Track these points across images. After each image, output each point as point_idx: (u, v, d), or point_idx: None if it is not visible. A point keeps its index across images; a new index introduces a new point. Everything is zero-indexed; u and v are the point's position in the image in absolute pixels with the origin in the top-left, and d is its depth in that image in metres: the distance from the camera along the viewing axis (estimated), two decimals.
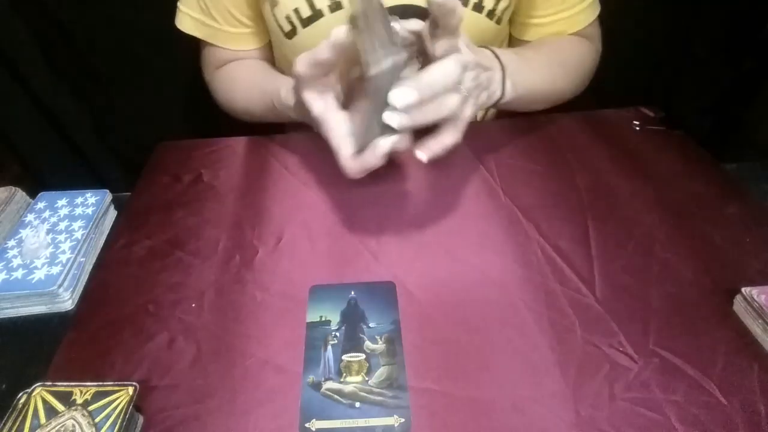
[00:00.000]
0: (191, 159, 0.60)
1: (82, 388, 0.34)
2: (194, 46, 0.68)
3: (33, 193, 0.53)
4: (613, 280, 0.43)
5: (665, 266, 0.44)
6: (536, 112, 0.67)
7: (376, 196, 0.52)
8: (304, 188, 0.55)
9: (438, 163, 0.57)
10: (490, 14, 0.57)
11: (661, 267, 0.44)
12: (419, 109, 0.39)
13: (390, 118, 0.39)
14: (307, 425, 0.34)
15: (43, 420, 0.32)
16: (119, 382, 0.34)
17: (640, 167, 0.55)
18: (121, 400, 0.33)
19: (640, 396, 0.35)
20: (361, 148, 0.43)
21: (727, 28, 0.93)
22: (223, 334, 0.40)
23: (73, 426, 0.32)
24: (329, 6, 0.55)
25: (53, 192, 0.53)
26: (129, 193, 0.56)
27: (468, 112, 0.44)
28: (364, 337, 0.39)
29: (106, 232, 0.52)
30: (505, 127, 0.64)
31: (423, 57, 0.44)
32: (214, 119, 0.83)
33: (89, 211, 0.50)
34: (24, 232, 0.48)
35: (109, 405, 0.33)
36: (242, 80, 0.64)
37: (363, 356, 0.38)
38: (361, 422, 0.34)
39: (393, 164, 0.46)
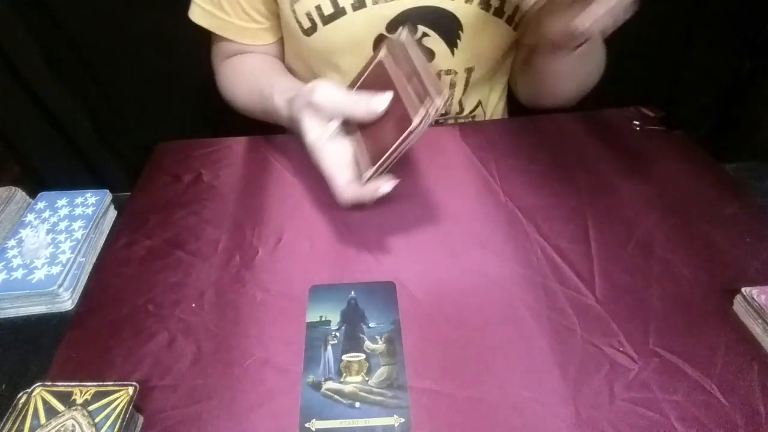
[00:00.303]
0: (191, 159, 0.60)
1: (82, 388, 0.34)
2: (195, 46, 0.68)
3: (33, 193, 0.53)
4: (613, 280, 0.43)
5: (665, 266, 0.44)
6: (536, 111, 0.67)
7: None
8: (304, 188, 0.55)
9: (438, 163, 0.57)
10: (509, 19, 0.58)
11: (661, 267, 0.44)
12: None
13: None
14: (307, 425, 0.34)
15: (43, 420, 0.32)
16: (119, 382, 0.34)
17: (640, 167, 0.55)
18: (121, 400, 0.33)
19: (640, 396, 0.35)
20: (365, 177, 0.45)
21: (727, 29, 0.93)
22: (223, 334, 0.40)
23: (73, 426, 0.32)
24: (352, 4, 0.55)
25: (53, 192, 0.53)
26: (129, 193, 0.56)
27: None
28: (364, 337, 0.39)
29: (106, 232, 0.51)
30: (505, 127, 0.64)
31: None
32: (214, 119, 0.83)
33: (89, 211, 0.50)
34: (24, 232, 0.48)
35: (109, 405, 0.33)
36: (245, 77, 0.64)
37: (363, 356, 0.38)
38: (361, 422, 0.34)
39: (393, 165, 0.46)
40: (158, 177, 0.57)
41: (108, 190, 0.53)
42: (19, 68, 0.82)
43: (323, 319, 0.41)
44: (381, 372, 0.37)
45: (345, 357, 0.38)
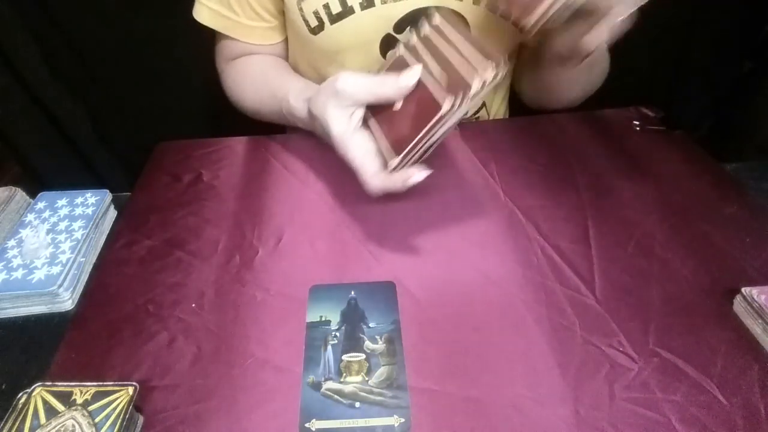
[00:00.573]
0: (191, 159, 0.60)
1: (82, 388, 0.34)
2: (195, 46, 0.68)
3: (33, 193, 0.53)
4: (613, 280, 0.43)
5: (665, 266, 0.44)
6: (536, 112, 0.67)
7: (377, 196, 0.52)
8: (304, 188, 0.55)
9: (438, 163, 0.57)
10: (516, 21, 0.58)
11: (661, 267, 0.44)
12: None
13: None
14: (307, 425, 0.34)
15: (43, 420, 0.32)
16: (119, 382, 0.34)
17: (640, 167, 0.55)
18: (121, 400, 0.33)
19: (640, 396, 0.35)
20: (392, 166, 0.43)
21: (727, 29, 0.93)
22: (223, 334, 0.40)
23: (73, 426, 0.32)
24: (360, 3, 0.54)
25: (53, 192, 0.53)
26: (129, 193, 0.56)
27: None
28: (364, 337, 0.39)
29: (106, 232, 0.51)
30: (505, 127, 0.64)
31: None
32: (214, 119, 0.83)
33: (89, 211, 0.50)
34: (24, 232, 0.48)
35: (109, 405, 0.33)
36: (253, 78, 0.64)
37: (363, 356, 0.38)
38: (361, 422, 0.34)
39: (429, 155, 0.46)
40: (158, 177, 0.57)
41: (108, 190, 0.53)
42: (19, 68, 0.82)
43: (323, 319, 0.41)
44: (381, 372, 0.37)
45: (345, 357, 0.38)
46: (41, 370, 0.38)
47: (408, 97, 0.44)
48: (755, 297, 0.38)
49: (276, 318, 0.41)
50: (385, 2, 0.54)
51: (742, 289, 0.40)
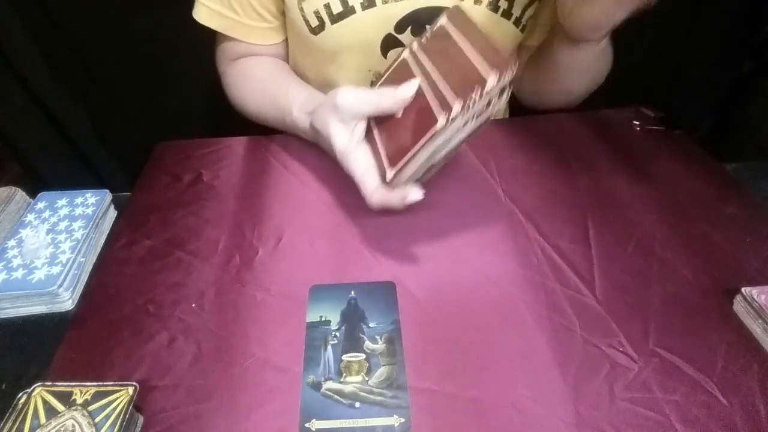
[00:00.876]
0: (191, 159, 0.60)
1: (82, 388, 0.34)
2: (195, 45, 0.68)
3: (33, 193, 0.53)
4: (613, 280, 0.43)
5: (665, 266, 0.44)
6: (536, 112, 0.67)
7: None
8: (304, 188, 0.55)
9: None
10: (517, 21, 0.58)
11: (661, 267, 0.44)
12: None
13: None
14: (307, 425, 0.34)
15: (43, 420, 0.32)
16: (119, 382, 0.34)
17: (640, 167, 0.55)
18: (121, 400, 0.33)
19: (640, 396, 0.35)
20: (392, 181, 0.43)
21: (727, 29, 0.93)
22: (223, 334, 0.40)
23: (73, 426, 0.32)
24: (362, 3, 0.54)
25: (53, 192, 0.53)
26: (129, 193, 0.56)
27: None
28: (364, 337, 0.39)
29: (106, 232, 0.51)
30: (505, 127, 0.64)
31: None
32: (214, 119, 0.83)
33: (89, 211, 0.50)
34: (24, 232, 0.48)
35: (109, 405, 0.33)
36: (256, 84, 0.64)
37: (363, 356, 0.38)
38: (361, 422, 0.34)
39: (434, 172, 0.47)
40: (158, 177, 0.57)
41: (108, 190, 0.53)
42: (19, 68, 0.82)
43: (323, 319, 0.41)
44: (381, 372, 0.37)
45: (345, 357, 0.38)
46: (41, 370, 0.38)
47: (408, 108, 0.44)
48: (755, 297, 0.38)
49: (276, 318, 0.41)
50: (386, 2, 0.54)
51: (742, 289, 0.40)
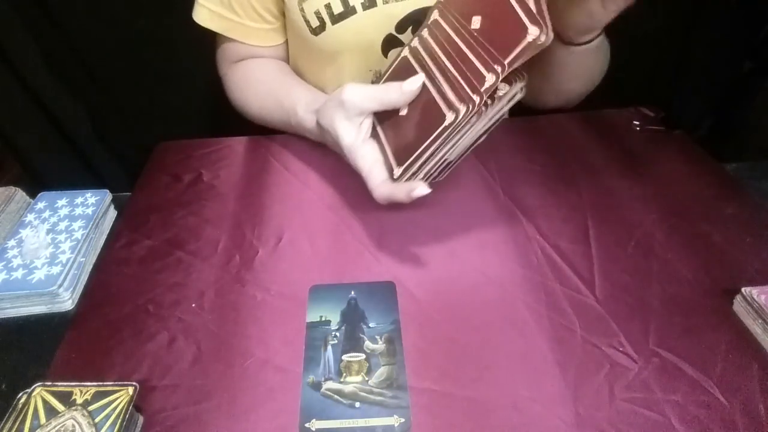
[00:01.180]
0: (191, 159, 0.60)
1: (82, 388, 0.34)
2: (195, 45, 0.68)
3: (33, 193, 0.53)
4: (613, 280, 0.43)
5: (665, 266, 0.44)
6: (536, 112, 0.67)
7: None
8: (304, 188, 0.55)
9: None
10: None
11: (661, 267, 0.44)
12: None
13: None
14: (307, 425, 0.34)
15: (43, 420, 0.32)
16: (119, 382, 0.34)
17: (640, 167, 0.55)
18: (121, 400, 0.33)
19: (640, 396, 0.35)
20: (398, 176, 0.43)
21: (727, 29, 0.93)
22: (223, 334, 0.40)
23: (73, 426, 0.32)
24: (362, 3, 0.54)
25: (53, 192, 0.53)
26: (129, 193, 0.56)
27: None
28: (364, 337, 0.39)
29: (106, 232, 0.51)
30: (505, 127, 0.64)
31: None
32: (214, 119, 0.83)
33: (89, 211, 0.50)
34: (24, 232, 0.48)
35: (109, 405, 0.33)
36: (258, 85, 0.63)
37: (363, 356, 0.38)
38: (361, 422, 0.34)
39: (447, 171, 0.47)
40: (158, 177, 0.57)
41: (108, 190, 0.53)
42: (19, 68, 0.82)
43: (323, 319, 0.41)
44: (381, 372, 0.37)
45: (345, 357, 0.38)
46: (41, 370, 0.38)
47: (414, 104, 0.43)
48: (755, 297, 0.38)
49: (276, 318, 0.41)
50: (387, 2, 0.54)
51: (742, 289, 0.40)
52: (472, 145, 0.43)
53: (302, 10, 0.56)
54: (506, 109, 0.40)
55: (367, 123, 0.46)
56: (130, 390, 0.34)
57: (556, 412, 0.34)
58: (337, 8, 0.55)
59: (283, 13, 0.61)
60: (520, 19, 0.36)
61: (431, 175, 0.44)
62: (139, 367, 0.38)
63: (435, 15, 0.47)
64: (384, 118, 0.46)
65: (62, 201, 0.51)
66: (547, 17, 0.35)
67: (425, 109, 0.42)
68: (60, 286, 0.43)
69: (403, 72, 0.46)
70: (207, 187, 0.55)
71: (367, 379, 0.36)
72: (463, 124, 0.38)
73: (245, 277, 0.45)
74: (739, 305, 0.40)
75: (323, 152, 0.58)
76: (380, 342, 0.39)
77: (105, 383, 0.34)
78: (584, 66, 0.59)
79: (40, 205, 0.51)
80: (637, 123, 0.62)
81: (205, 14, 0.60)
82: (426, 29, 0.47)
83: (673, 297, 0.42)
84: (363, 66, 0.60)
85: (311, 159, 0.58)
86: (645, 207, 0.50)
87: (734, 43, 0.96)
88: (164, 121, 0.91)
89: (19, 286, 0.43)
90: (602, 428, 0.33)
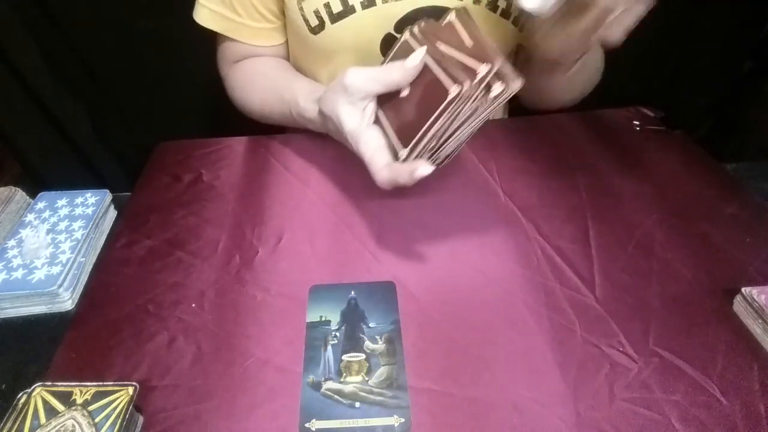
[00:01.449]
0: (191, 159, 0.60)
1: (82, 388, 0.34)
2: (195, 45, 0.68)
3: (33, 193, 0.53)
4: (613, 280, 0.43)
5: (665, 266, 0.44)
6: (536, 112, 0.67)
7: (377, 196, 0.52)
8: (304, 188, 0.55)
9: None
10: (515, 21, 0.58)
11: (661, 267, 0.44)
12: None
13: None
14: (307, 425, 0.34)
15: (43, 420, 0.32)
16: (119, 382, 0.34)
17: (640, 167, 0.55)
18: (121, 400, 0.33)
19: (640, 396, 0.35)
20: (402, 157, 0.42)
21: (727, 29, 0.94)
22: (223, 334, 0.40)
23: (73, 426, 0.32)
24: (362, 2, 0.54)
25: (53, 192, 0.53)
26: (129, 193, 0.56)
27: None
28: (364, 337, 0.39)
29: (106, 232, 0.51)
30: (505, 127, 0.64)
31: None
32: (214, 119, 0.83)
33: (89, 211, 0.50)
34: (24, 232, 0.48)
35: (109, 405, 0.33)
36: (260, 81, 0.63)
37: (363, 356, 0.38)
38: (361, 422, 0.34)
39: (452, 154, 0.46)
40: (158, 177, 0.57)
41: (108, 190, 0.53)
42: (19, 68, 0.82)
43: (323, 319, 0.41)
44: (381, 372, 0.37)
45: (345, 357, 0.38)
46: (41, 370, 0.38)
47: (415, 84, 0.42)
48: (755, 297, 0.38)
49: (276, 318, 0.41)
50: (386, 1, 0.54)
51: (742, 289, 0.40)
52: (476, 127, 0.42)
53: (301, 9, 0.56)
54: (505, 96, 0.40)
55: (371, 107, 0.45)
56: (130, 390, 0.34)
57: (556, 412, 0.34)
58: (337, 7, 0.55)
59: (283, 12, 0.61)
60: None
61: (437, 160, 0.43)
62: (139, 367, 0.38)
63: (451, 17, 0.46)
64: (385, 100, 0.45)
65: (62, 201, 0.51)
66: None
67: (427, 87, 0.41)
68: (60, 286, 0.43)
69: (403, 55, 0.45)
70: (207, 187, 0.55)
71: (367, 379, 0.36)
72: (467, 99, 0.37)
73: (245, 277, 0.45)
74: (739, 305, 0.40)
75: (323, 152, 0.58)
76: (380, 342, 0.39)
77: (105, 383, 0.34)
78: (575, 80, 0.59)
79: (40, 205, 0.51)
80: (637, 123, 0.62)
81: (206, 14, 0.60)
82: (425, 22, 0.47)
83: (673, 297, 0.42)
84: (362, 65, 0.60)
85: (311, 159, 0.58)
86: (645, 207, 0.50)
87: (734, 43, 0.96)
88: (164, 121, 0.92)
89: (19, 286, 0.43)
90: (602, 428, 0.33)
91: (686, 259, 0.45)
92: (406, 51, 0.45)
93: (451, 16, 0.46)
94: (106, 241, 0.50)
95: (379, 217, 0.50)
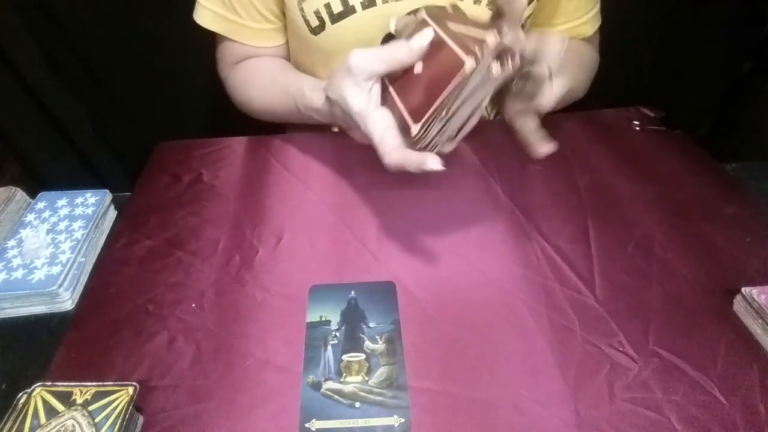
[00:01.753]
0: (191, 159, 0.60)
1: (82, 388, 0.34)
2: (195, 45, 0.68)
3: (33, 193, 0.53)
4: (613, 280, 0.43)
5: (665, 266, 0.44)
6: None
7: (377, 196, 0.52)
8: (304, 188, 0.55)
9: None
10: None
11: (661, 267, 0.44)
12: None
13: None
14: (307, 425, 0.34)
15: (43, 420, 0.32)
16: (119, 382, 0.34)
17: (640, 167, 0.55)
18: (121, 400, 0.33)
19: (640, 396, 0.35)
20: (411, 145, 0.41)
21: (727, 29, 0.94)
22: (223, 334, 0.40)
23: (73, 426, 0.32)
24: (362, 2, 0.54)
25: (53, 192, 0.53)
26: (129, 193, 0.56)
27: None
28: (364, 337, 0.39)
29: (106, 232, 0.51)
30: (505, 127, 0.64)
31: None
32: (214, 119, 0.83)
33: (89, 211, 0.50)
34: (24, 232, 0.48)
35: (109, 405, 0.33)
36: (262, 79, 0.63)
37: (363, 356, 0.38)
38: (361, 422, 0.34)
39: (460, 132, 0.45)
40: (158, 177, 0.57)
41: (108, 190, 0.53)
42: (19, 68, 0.82)
43: (323, 319, 0.41)
44: (381, 372, 0.37)
45: (345, 357, 0.38)
46: (41, 370, 0.38)
47: (427, 60, 0.41)
48: (755, 297, 0.38)
49: (276, 318, 0.41)
50: (387, 1, 0.54)
51: (742, 289, 0.40)
52: (482, 103, 0.41)
53: (302, 9, 0.56)
54: (501, 78, 0.40)
55: (377, 88, 0.44)
56: (130, 390, 0.34)
57: (556, 412, 0.34)
58: (337, 7, 0.55)
59: (284, 13, 0.61)
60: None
61: (448, 136, 0.43)
62: (139, 367, 0.38)
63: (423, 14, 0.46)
64: (396, 78, 0.44)
65: (62, 201, 0.51)
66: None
67: (439, 62, 0.40)
68: (60, 286, 0.43)
69: (411, 34, 0.45)
70: (207, 187, 0.55)
71: (367, 379, 0.36)
72: (481, 71, 0.37)
73: (245, 277, 0.45)
74: (739, 305, 0.40)
75: (323, 152, 0.58)
76: (380, 342, 0.39)
77: (105, 383, 0.34)
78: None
79: (40, 205, 0.51)
80: (637, 123, 0.62)
81: (207, 16, 0.60)
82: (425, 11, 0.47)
83: (673, 297, 0.42)
84: None
85: (311, 159, 0.58)
86: (645, 207, 0.50)
87: (734, 43, 0.96)
88: (164, 121, 0.92)
89: (19, 286, 0.43)
90: (602, 428, 0.33)
91: (686, 259, 0.45)
92: (415, 31, 0.44)
93: (448, 8, 0.46)
94: (106, 241, 0.50)
95: (379, 217, 0.50)
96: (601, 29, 0.66)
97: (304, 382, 0.36)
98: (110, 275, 0.46)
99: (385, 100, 0.45)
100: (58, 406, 0.33)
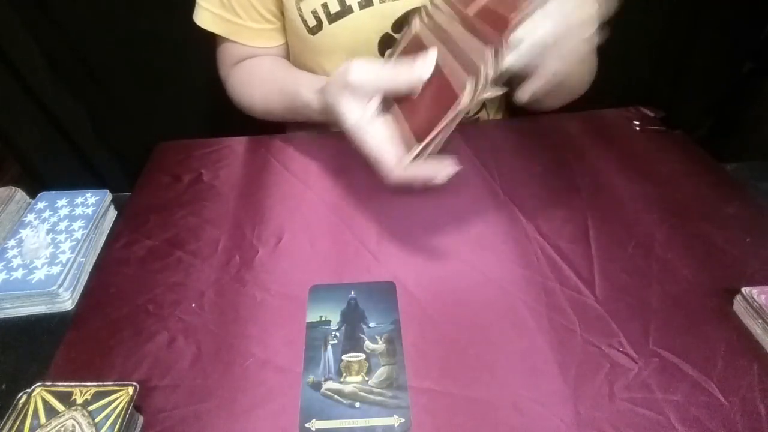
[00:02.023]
0: (191, 159, 0.60)
1: (82, 388, 0.34)
2: (195, 45, 0.68)
3: (33, 193, 0.53)
4: (613, 280, 0.43)
5: (665, 266, 0.44)
6: (536, 112, 0.67)
7: (377, 196, 0.52)
8: (304, 188, 0.55)
9: None
10: None
11: (661, 267, 0.44)
12: None
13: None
14: (307, 425, 0.34)
15: (43, 420, 0.32)
16: (119, 382, 0.34)
17: (640, 167, 0.55)
18: (121, 400, 0.33)
19: (640, 396, 0.35)
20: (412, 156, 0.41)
21: (727, 29, 0.93)
22: (223, 334, 0.40)
23: (73, 426, 0.32)
24: (359, 2, 0.54)
25: (53, 192, 0.53)
26: (129, 193, 0.56)
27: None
28: (364, 337, 0.39)
29: (106, 232, 0.51)
30: (505, 127, 0.64)
31: None
32: (214, 119, 0.83)
33: (89, 211, 0.50)
34: (24, 232, 0.48)
35: (109, 405, 0.33)
36: (261, 79, 0.63)
37: (363, 356, 0.38)
38: (361, 422, 0.34)
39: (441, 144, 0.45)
40: (158, 177, 0.57)
41: (108, 190, 0.53)
42: (19, 68, 0.82)
43: (323, 319, 0.41)
44: (381, 372, 0.37)
45: (345, 357, 0.38)
46: (41, 370, 0.38)
47: (427, 83, 0.41)
48: (755, 297, 0.38)
49: (276, 318, 0.41)
50: (384, 1, 0.54)
51: (742, 289, 0.40)
52: (478, 103, 0.42)
53: (299, 9, 0.56)
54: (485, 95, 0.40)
55: (375, 102, 0.44)
56: (130, 390, 0.34)
57: (556, 412, 0.34)
58: (334, 7, 0.55)
59: (283, 13, 0.61)
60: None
61: (430, 151, 0.42)
62: (139, 367, 0.38)
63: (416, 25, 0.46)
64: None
65: (62, 201, 0.51)
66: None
67: (439, 87, 0.40)
68: (60, 286, 0.43)
69: (414, 49, 0.44)
70: (207, 187, 0.55)
71: (367, 379, 0.36)
72: (476, 98, 0.37)
73: (245, 277, 0.45)
74: (739, 305, 0.40)
75: (323, 152, 0.58)
76: (380, 342, 0.39)
77: (105, 383, 0.34)
78: (560, 95, 0.59)
79: (40, 205, 0.51)
80: (637, 123, 0.62)
81: (207, 17, 0.60)
82: (425, 13, 0.47)
83: (673, 297, 0.42)
84: None
85: (311, 159, 0.58)
86: (645, 207, 0.50)
87: (734, 43, 0.96)
88: (164, 121, 0.91)
89: (19, 286, 0.43)
90: (602, 428, 0.33)
91: (686, 259, 0.45)
92: (417, 47, 0.44)
93: (417, 25, 0.46)
94: (106, 241, 0.50)
95: (379, 217, 0.50)
96: None
97: (304, 382, 0.36)
98: (110, 275, 0.46)
99: (388, 108, 0.45)
100: (58, 406, 0.33)
